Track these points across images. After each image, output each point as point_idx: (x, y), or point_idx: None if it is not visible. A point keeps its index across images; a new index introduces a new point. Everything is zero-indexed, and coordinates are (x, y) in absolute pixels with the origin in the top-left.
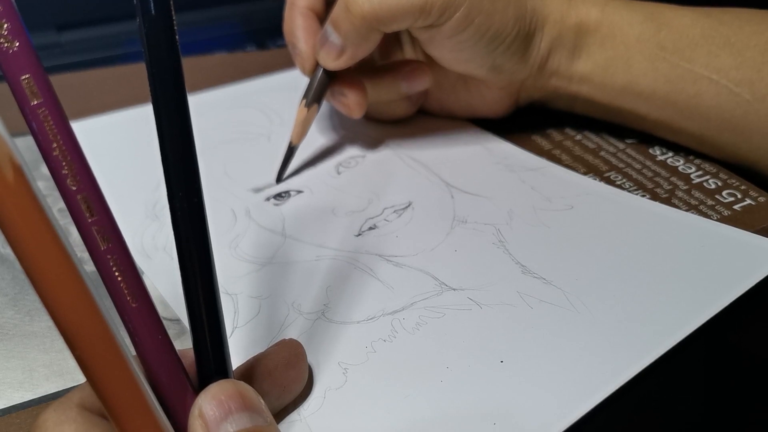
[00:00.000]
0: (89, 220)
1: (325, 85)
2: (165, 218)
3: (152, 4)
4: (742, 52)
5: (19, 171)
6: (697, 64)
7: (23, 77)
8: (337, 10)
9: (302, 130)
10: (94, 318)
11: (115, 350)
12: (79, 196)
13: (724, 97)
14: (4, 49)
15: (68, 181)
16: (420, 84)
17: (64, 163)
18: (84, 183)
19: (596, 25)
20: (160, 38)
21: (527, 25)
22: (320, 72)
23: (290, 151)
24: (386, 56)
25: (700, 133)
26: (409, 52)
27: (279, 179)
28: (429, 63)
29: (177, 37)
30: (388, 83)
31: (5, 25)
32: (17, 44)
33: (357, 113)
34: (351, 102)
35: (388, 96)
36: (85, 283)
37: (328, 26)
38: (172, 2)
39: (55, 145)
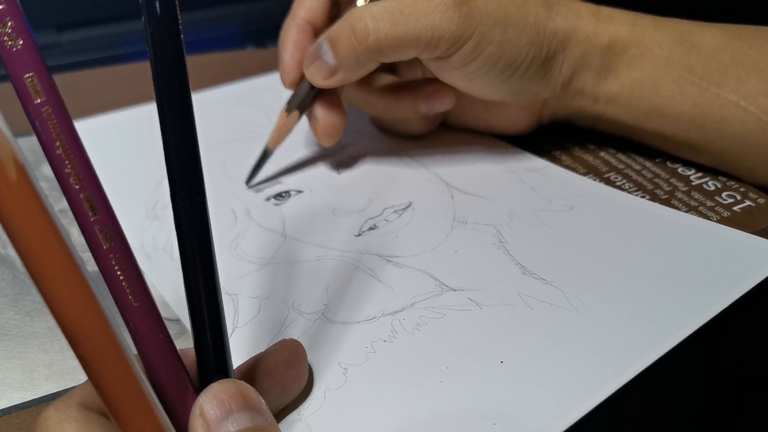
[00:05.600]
0: (92, 219)
1: (309, 96)
2: (165, 218)
3: (158, 4)
4: None
5: (22, 169)
6: (726, 89)
7: (27, 75)
8: (338, 30)
9: (278, 135)
10: (96, 317)
11: (117, 349)
12: (82, 195)
13: (750, 123)
14: (8, 47)
15: (71, 179)
16: (440, 106)
17: (67, 162)
18: (87, 182)
19: (625, 44)
20: (166, 38)
21: (545, 48)
22: (306, 82)
23: (264, 155)
24: (405, 73)
25: (720, 155)
26: (429, 71)
27: (248, 182)
28: None
29: (182, 36)
30: (408, 102)
31: (9, 23)
32: (21, 42)
33: (323, 141)
34: (319, 128)
35: (406, 114)
36: (87, 281)
37: (324, 43)
38: (177, 2)
39: (58, 143)
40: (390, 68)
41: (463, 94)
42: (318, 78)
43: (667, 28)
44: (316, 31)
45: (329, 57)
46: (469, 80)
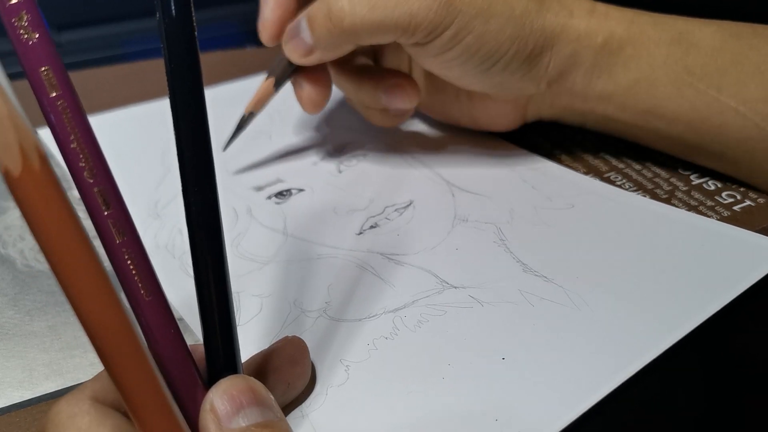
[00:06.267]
0: (105, 214)
1: (288, 68)
2: (166, 217)
3: (173, 4)
4: None
5: (44, 160)
6: (725, 93)
7: (42, 69)
8: (315, 9)
9: (261, 103)
10: (114, 309)
11: (135, 342)
12: (95, 189)
13: (749, 130)
14: (24, 40)
15: (85, 173)
16: (399, 102)
17: (81, 156)
18: (101, 176)
19: (621, 43)
20: (180, 37)
21: (530, 44)
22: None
23: (242, 122)
24: (390, 56)
25: (717, 158)
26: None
27: (225, 148)
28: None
29: (196, 34)
30: (369, 89)
31: (25, 17)
32: (37, 36)
33: (310, 110)
34: (305, 97)
35: (367, 102)
36: (106, 274)
37: (303, 21)
38: (192, 2)
39: (72, 137)
40: (373, 50)
41: (449, 85)
42: (295, 55)
43: (666, 27)
44: None
45: (306, 36)
46: (447, 68)
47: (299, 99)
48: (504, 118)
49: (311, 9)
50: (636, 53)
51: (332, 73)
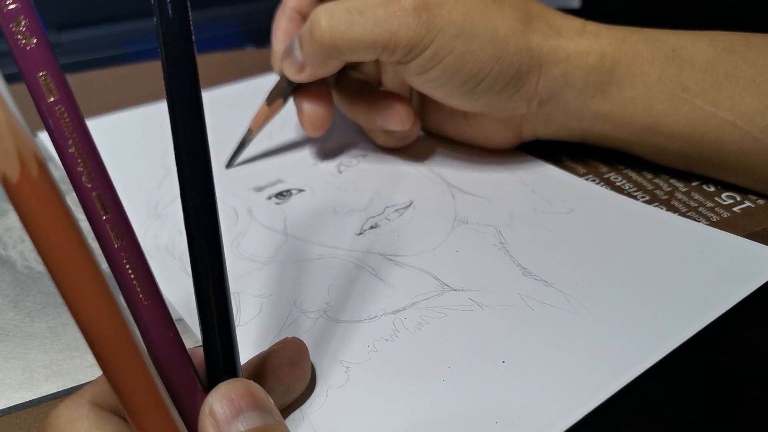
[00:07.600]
0: (104, 218)
1: (288, 87)
2: (167, 217)
3: (170, 6)
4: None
5: (43, 167)
6: (722, 107)
7: (40, 74)
8: (304, 28)
9: (260, 122)
10: (112, 314)
11: (133, 347)
12: (94, 194)
13: (746, 143)
14: (22, 45)
15: (83, 178)
16: (391, 123)
17: (79, 160)
18: (99, 180)
19: (613, 63)
20: (177, 39)
21: (515, 64)
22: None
23: (245, 140)
24: (391, 76)
25: (716, 170)
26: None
27: (228, 166)
28: None
29: (193, 37)
30: (364, 111)
31: (23, 22)
32: (34, 41)
33: (309, 131)
34: (304, 119)
35: (364, 123)
36: (104, 280)
37: (295, 40)
38: (188, 4)
39: (70, 141)
40: (375, 71)
41: (444, 104)
42: (290, 73)
43: (658, 44)
44: (305, 20)
45: (297, 53)
46: (432, 88)
47: (300, 121)
48: (499, 137)
49: (303, 27)
50: (629, 72)
51: (335, 93)
